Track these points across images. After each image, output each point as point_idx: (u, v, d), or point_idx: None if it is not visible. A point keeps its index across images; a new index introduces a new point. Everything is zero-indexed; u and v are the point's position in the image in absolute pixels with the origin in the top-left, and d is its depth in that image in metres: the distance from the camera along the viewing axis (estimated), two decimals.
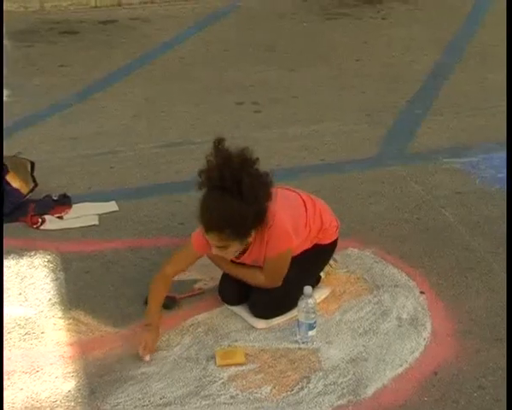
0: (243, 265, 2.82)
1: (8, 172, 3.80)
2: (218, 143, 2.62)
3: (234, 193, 2.51)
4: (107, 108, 5.20)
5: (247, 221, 2.57)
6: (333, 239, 2.98)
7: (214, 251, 2.69)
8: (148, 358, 2.63)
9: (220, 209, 2.52)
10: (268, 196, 2.60)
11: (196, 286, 3.06)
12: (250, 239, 2.66)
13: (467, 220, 3.57)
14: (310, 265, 2.89)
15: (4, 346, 2.72)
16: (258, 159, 2.63)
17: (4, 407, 2.41)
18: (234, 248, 2.66)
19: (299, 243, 2.80)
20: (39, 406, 2.44)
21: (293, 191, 2.91)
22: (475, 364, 2.60)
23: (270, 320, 2.83)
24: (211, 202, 2.56)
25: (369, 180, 4.03)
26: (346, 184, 3.98)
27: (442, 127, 4.72)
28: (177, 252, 2.91)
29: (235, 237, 2.60)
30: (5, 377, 2.56)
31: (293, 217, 2.76)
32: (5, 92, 5.54)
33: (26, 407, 2.43)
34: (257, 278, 2.81)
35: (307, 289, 2.68)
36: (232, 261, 2.82)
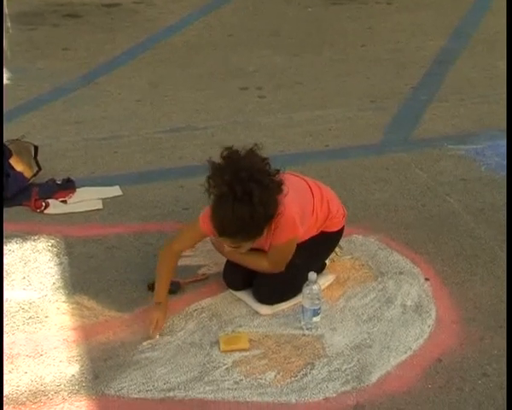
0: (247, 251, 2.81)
1: (11, 155, 3.79)
2: (226, 154, 2.58)
3: (245, 202, 2.49)
4: (111, 92, 5.18)
5: (259, 226, 2.58)
6: (339, 227, 2.97)
7: (227, 248, 2.69)
8: (157, 336, 2.65)
9: (232, 218, 2.50)
10: (279, 198, 2.58)
11: (200, 271, 3.05)
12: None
13: (471, 207, 3.56)
14: (315, 252, 2.88)
15: (8, 330, 2.73)
16: (267, 159, 2.60)
17: (9, 391, 2.42)
18: (246, 246, 2.67)
19: (305, 231, 2.79)
20: (43, 389, 2.44)
21: (300, 177, 2.89)
22: (480, 351, 2.60)
23: (274, 306, 2.82)
24: (222, 211, 2.53)
25: (374, 167, 4.01)
26: (351, 171, 3.97)
27: (447, 114, 4.70)
28: (185, 230, 2.92)
29: (247, 239, 2.62)
30: (9, 360, 2.57)
31: (301, 204, 2.74)
32: (8, 75, 5.53)
33: (30, 391, 2.43)
34: (260, 264, 2.80)
35: (312, 275, 2.67)
36: None
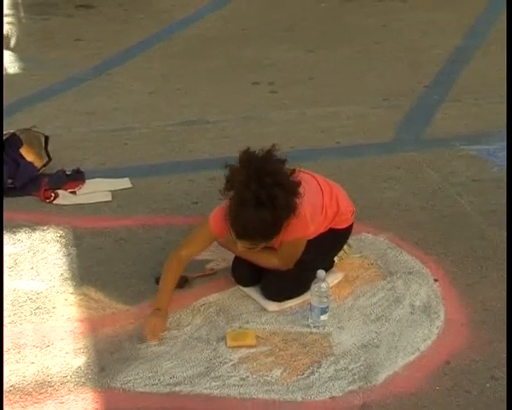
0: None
1: (22, 145, 3.80)
2: (245, 157, 2.57)
3: (268, 206, 2.49)
4: (123, 83, 5.18)
5: (279, 227, 2.59)
6: (348, 224, 2.96)
7: (240, 248, 2.67)
8: (154, 343, 2.59)
9: (256, 222, 2.51)
10: (298, 203, 2.59)
11: (208, 266, 3.04)
12: None
13: (483, 209, 3.52)
14: (324, 249, 2.87)
15: (16, 319, 2.73)
16: (284, 160, 2.60)
17: (15, 381, 2.43)
18: (261, 246, 2.67)
19: (315, 228, 2.78)
20: (50, 380, 2.44)
21: (310, 175, 2.87)
22: (488, 354, 2.57)
23: (282, 303, 2.81)
24: (245, 215, 2.51)
25: (385, 165, 3.99)
26: (362, 169, 3.95)
27: (460, 113, 4.66)
28: (193, 234, 2.87)
29: (266, 241, 2.63)
30: (16, 350, 2.57)
31: (311, 202, 2.73)
32: (21, 65, 5.54)
33: (36, 381, 2.43)
34: (270, 261, 2.79)
35: (320, 273, 2.65)
36: None
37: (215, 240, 2.85)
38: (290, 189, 2.56)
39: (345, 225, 2.94)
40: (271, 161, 2.57)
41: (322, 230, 2.85)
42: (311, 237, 2.78)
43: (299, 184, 2.60)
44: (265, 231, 2.57)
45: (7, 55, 5.77)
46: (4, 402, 2.32)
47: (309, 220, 2.68)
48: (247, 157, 2.57)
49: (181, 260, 2.78)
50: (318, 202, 2.80)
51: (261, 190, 2.48)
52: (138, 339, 2.62)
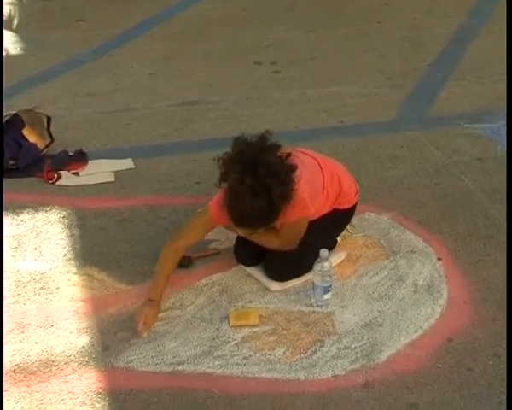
0: None
1: (24, 126, 3.79)
2: (238, 149, 2.54)
3: (263, 196, 2.47)
4: (124, 65, 5.16)
5: (277, 213, 2.57)
6: (352, 204, 2.94)
7: (240, 233, 2.68)
8: (145, 334, 2.55)
9: (252, 212, 2.49)
10: (294, 191, 2.56)
11: (211, 246, 3.04)
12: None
13: (487, 187, 3.51)
14: (328, 229, 2.86)
15: (20, 300, 2.74)
16: (279, 146, 2.56)
17: (20, 360, 2.44)
18: (260, 231, 2.65)
19: (316, 209, 2.76)
20: (54, 359, 2.45)
21: (310, 155, 2.84)
22: (491, 332, 2.57)
23: (285, 283, 2.81)
24: (241, 205, 2.49)
25: (389, 144, 3.97)
26: (365, 148, 3.93)
27: (464, 92, 4.63)
28: (191, 222, 2.83)
29: (264, 227, 2.62)
30: (20, 330, 2.58)
31: (311, 183, 2.71)
32: (22, 46, 5.52)
33: (40, 360, 2.44)
34: (272, 243, 2.77)
35: (323, 252, 2.65)
36: None
37: (215, 227, 2.83)
38: (285, 178, 2.52)
39: (348, 205, 2.93)
40: (265, 150, 2.52)
41: (325, 210, 2.83)
42: (314, 217, 2.77)
43: (294, 168, 2.56)
44: (263, 219, 2.56)
45: (8, 35, 5.75)
46: (9, 381, 2.35)
47: (308, 201, 2.67)
48: (241, 149, 2.53)
49: (178, 250, 2.76)
50: (318, 183, 2.78)
51: (255, 182, 2.46)
52: (131, 330, 2.57)
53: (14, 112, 3.82)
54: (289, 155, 2.58)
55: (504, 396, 2.23)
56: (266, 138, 2.55)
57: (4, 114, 3.81)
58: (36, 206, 3.36)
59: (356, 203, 2.97)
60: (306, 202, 2.66)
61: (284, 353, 2.49)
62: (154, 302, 2.64)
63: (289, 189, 2.54)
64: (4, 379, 2.35)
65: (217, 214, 2.69)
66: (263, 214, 2.52)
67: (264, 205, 2.49)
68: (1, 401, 2.07)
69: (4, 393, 2.30)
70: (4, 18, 6.08)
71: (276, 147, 2.56)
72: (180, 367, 2.43)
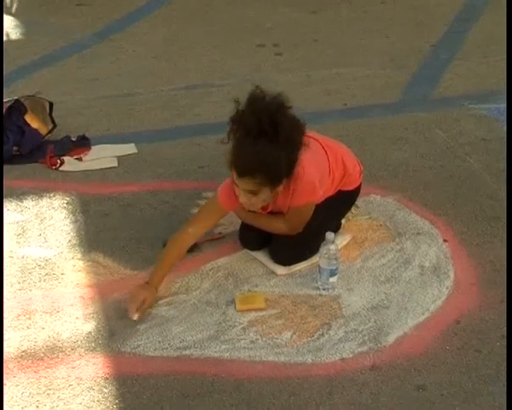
0: (264, 214, 2.77)
1: (26, 112, 3.77)
2: (254, 91, 2.51)
3: (269, 136, 2.42)
4: (125, 49, 5.13)
5: (281, 166, 2.49)
6: (357, 185, 2.92)
7: (242, 199, 2.58)
8: (136, 317, 2.52)
9: (255, 154, 2.43)
10: (301, 143, 2.53)
11: (217, 231, 3.03)
12: (280, 188, 2.58)
13: (492, 168, 3.49)
14: (333, 211, 2.84)
15: (25, 286, 2.74)
16: (291, 107, 2.54)
17: (27, 346, 2.44)
18: (263, 196, 2.56)
19: (323, 192, 2.74)
20: (60, 345, 2.45)
21: (312, 137, 2.79)
22: (498, 314, 2.56)
23: (291, 266, 2.80)
24: (245, 147, 2.46)
25: (393, 126, 3.94)
26: (369, 130, 3.90)
27: (469, 72, 4.60)
28: (201, 210, 2.82)
29: (267, 183, 2.51)
30: (27, 316, 2.58)
31: (319, 167, 2.68)
32: (22, 30, 5.49)
33: (47, 346, 2.44)
34: (278, 226, 2.75)
35: (329, 235, 2.64)
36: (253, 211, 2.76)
37: (224, 215, 2.80)
38: (295, 123, 2.49)
39: (353, 186, 2.91)
40: (277, 98, 2.50)
41: (330, 193, 2.81)
42: (320, 200, 2.76)
43: (304, 128, 2.55)
44: (265, 166, 2.45)
45: (8, 20, 5.72)
46: (17, 367, 2.35)
47: (317, 186, 2.65)
48: (256, 95, 2.50)
49: (187, 238, 2.74)
50: (325, 166, 2.75)
51: (264, 116, 2.41)
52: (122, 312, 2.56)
53: (16, 97, 3.80)
54: (301, 120, 2.56)
55: None
56: (282, 96, 2.52)
57: (6, 99, 3.80)
58: (39, 192, 3.35)
59: (360, 184, 2.95)
60: (316, 186, 2.64)
61: (291, 336, 2.48)
62: (150, 286, 2.61)
63: (298, 137, 2.49)
64: (12, 365, 2.35)
65: (225, 199, 2.67)
66: (267, 157, 2.43)
67: (270, 146, 2.42)
68: (1, 399, 2.06)
69: (12, 378, 2.30)
70: (5, 3, 6.04)
71: (289, 106, 2.53)
72: (187, 352, 2.42)
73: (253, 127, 2.43)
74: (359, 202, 3.06)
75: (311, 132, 2.84)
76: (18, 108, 3.75)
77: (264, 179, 2.49)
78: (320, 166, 2.70)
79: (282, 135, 2.43)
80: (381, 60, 4.86)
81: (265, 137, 2.42)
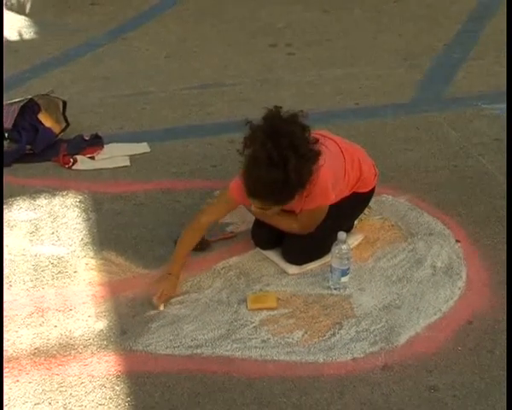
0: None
1: (40, 111, 3.79)
2: (268, 116, 2.52)
3: (280, 168, 2.44)
4: (138, 47, 5.15)
5: (291, 192, 2.54)
6: (371, 188, 2.92)
7: (254, 209, 2.64)
8: (162, 307, 2.59)
9: (265, 181, 2.46)
10: (313, 171, 2.52)
11: (228, 229, 3.04)
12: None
13: (505, 168, 3.47)
14: (346, 213, 2.84)
15: (38, 284, 2.76)
16: (308, 127, 2.53)
17: (40, 343, 2.45)
18: (275, 210, 2.63)
19: (336, 194, 2.73)
20: (73, 343, 2.46)
21: (332, 139, 2.81)
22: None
23: (302, 266, 2.80)
24: (256, 172, 2.47)
25: (405, 126, 3.93)
26: (381, 130, 3.90)
27: (482, 72, 4.58)
28: (215, 200, 2.85)
29: (277, 204, 2.58)
30: (39, 313, 2.59)
31: (334, 170, 2.69)
32: (36, 30, 5.52)
33: (60, 344, 2.46)
34: (290, 226, 2.76)
35: (341, 234, 2.63)
36: None
37: (236, 206, 2.82)
38: (305, 155, 2.49)
39: (367, 189, 2.90)
40: (293, 124, 2.51)
41: (344, 194, 2.81)
42: (333, 202, 2.75)
43: (318, 153, 2.53)
44: (275, 193, 2.51)
45: (22, 20, 5.75)
46: (29, 364, 2.36)
47: (330, 189, 2.65)
48: (270, 116, 2.53)
49: (200, 227, 2.77)
50: (340, 169, 2.75)
51: (274, 151, 2.43)
52: (148, 314, 2.59)
53: (29, 96, 3.82)
54: (317, 140, 2.55)
55: None
56: (297, 116, 2.53)
57: (20, 98, 3.82)
58: (52, 190, 3.37)
59: (375, 186, 2.95)
60: (329, 190, 2.64)
61: (303, 336, 2.48)
62: (172, 276, 2.66)
63: (308, 167, 2.50)
64: (25, 362, 2.37)
65: (237, 192, 2.68)
66: (275, 185, 2.46)
67: (279, 177, 2.44)
68: (1, 398, 2.07)
69: (25, 375, 2.32)
70: (19, 3, 6.08)
71: (306, 127, 2.53)
72: (198, 350, 2.43)
73: (263, 158, 2.43)
74: (371, 202, 3.05)
75: (327, 132, 2.84)
76: (32, 106, 3.78)
77: (275, 202, 2.56)
78: (335, 170, 2.70)
79: (290, 168, 2.43)
80: (393, 59, 4.85)
81: (276, 167, 2.43)
